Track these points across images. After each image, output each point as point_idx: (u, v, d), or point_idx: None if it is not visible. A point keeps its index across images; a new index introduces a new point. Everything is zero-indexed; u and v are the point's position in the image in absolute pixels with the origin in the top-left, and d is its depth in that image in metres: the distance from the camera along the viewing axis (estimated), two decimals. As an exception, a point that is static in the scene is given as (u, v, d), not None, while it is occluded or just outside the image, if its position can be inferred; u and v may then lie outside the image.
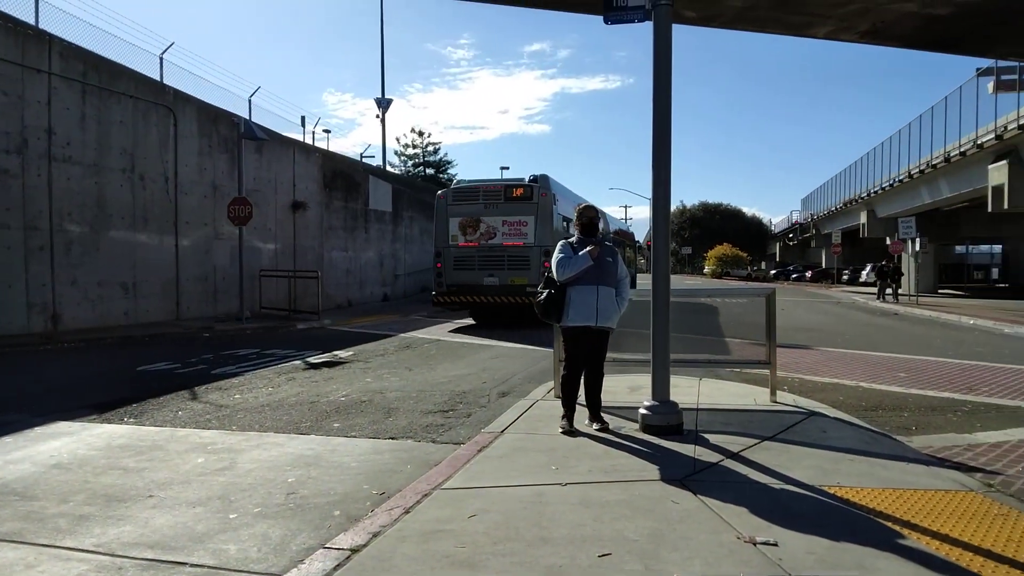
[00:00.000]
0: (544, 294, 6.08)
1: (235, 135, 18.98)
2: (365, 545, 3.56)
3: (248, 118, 20.81)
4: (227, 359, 11.63)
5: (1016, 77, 21.76)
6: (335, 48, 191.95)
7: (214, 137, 19.59)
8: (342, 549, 3.51)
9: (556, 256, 6.08)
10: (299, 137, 25.77)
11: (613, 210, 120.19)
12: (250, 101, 22.21)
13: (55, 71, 14.85)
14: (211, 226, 19.31)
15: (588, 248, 5.96)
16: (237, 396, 8.39)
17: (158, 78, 18.16)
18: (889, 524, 3.81)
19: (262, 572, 3.47)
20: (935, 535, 3.65)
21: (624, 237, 31.97)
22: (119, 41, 17.22)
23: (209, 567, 3.54)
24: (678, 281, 57.68)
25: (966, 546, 3.52)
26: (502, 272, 17.11)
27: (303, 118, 28.18)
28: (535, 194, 16.95)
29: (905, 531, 3.71)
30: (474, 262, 17.23)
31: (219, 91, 26.19)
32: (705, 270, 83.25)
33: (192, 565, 3.56)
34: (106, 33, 17.02)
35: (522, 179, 17.33)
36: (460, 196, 17.62)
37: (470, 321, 19.26)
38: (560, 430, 5.89)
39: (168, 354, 12.15)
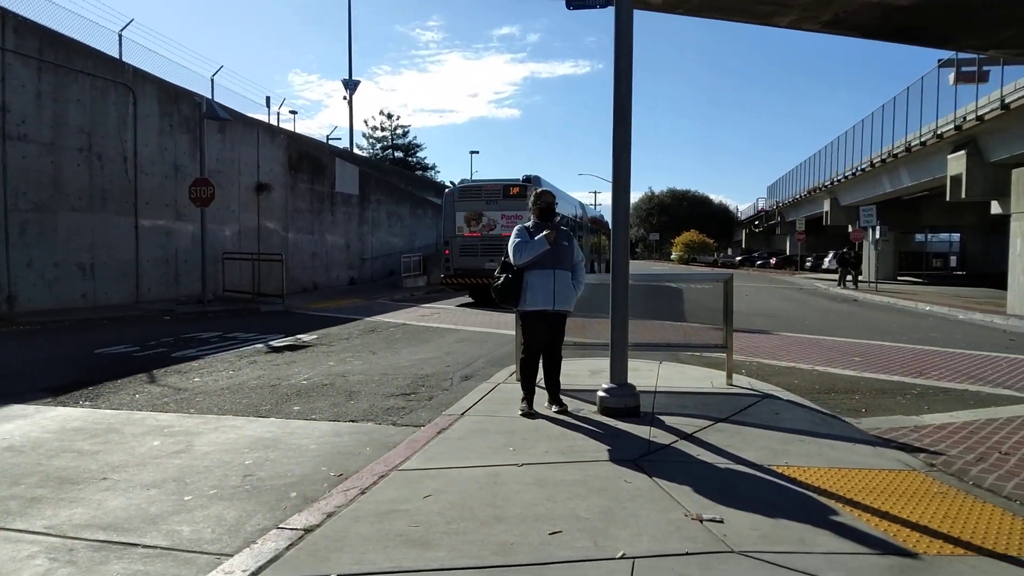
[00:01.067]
0: (501, 279, 6.10)
1: (197, 115, 18.62)
2: (319, 525, 3.58)
3: (211, 98, 20.45)
4: (188, 342, 11.49)
5: (975, 69, 22.19)
6: (301, 28, 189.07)
7: (175, 117, 19.20)
8: (296, 529, 3.53)
9: (513, 240, 6.08)
10: (264, 118, 25.43)
11: (583, 196, 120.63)
12: (213, 80, 21.84)
13: (9, 47, 14.39)
14: (172, 207, 18.96)
15: (544, 232, 5.98)
16: (196, 379, 8.31)
17: (117, 56, 17.74)
18: (832, 502, 3.93)
19: (215, 552, 3.47)
20: (875, 512, 3.78)
21: (599, 226, 32.21)
22: (77, 17, 16.83)
23: (162, 548, 3.54)
24: (645, 267, 57.94)
25: (904, 523, 3.65)
26: (501, 258, 18.44)
27: (268, 99, 27.83)
28: (529, 191, 18.87)
29: (847, 509, 3.83)
30: (477, 250, 19.70)
31: (181, 70, 25.61)
32: (672, 256, 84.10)
33: (144, 546, 3.55)
34: (63, 9, 16.65)
35: (518, 179, 19.72)
36: (465, 194, 20.46)
37: (437, 305, 19.36)
38: (520, 412, 5.95)
39: (127, 337, 11.97)
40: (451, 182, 21.50)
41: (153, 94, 18.51)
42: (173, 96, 19.23)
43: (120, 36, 17.91)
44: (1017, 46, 12.74)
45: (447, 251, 20.43)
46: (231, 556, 3.34)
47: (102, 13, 59.78)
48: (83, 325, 13.87)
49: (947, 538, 3.47)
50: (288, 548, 3.31)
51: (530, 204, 6.35)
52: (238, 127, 21.70)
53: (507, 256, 6.14)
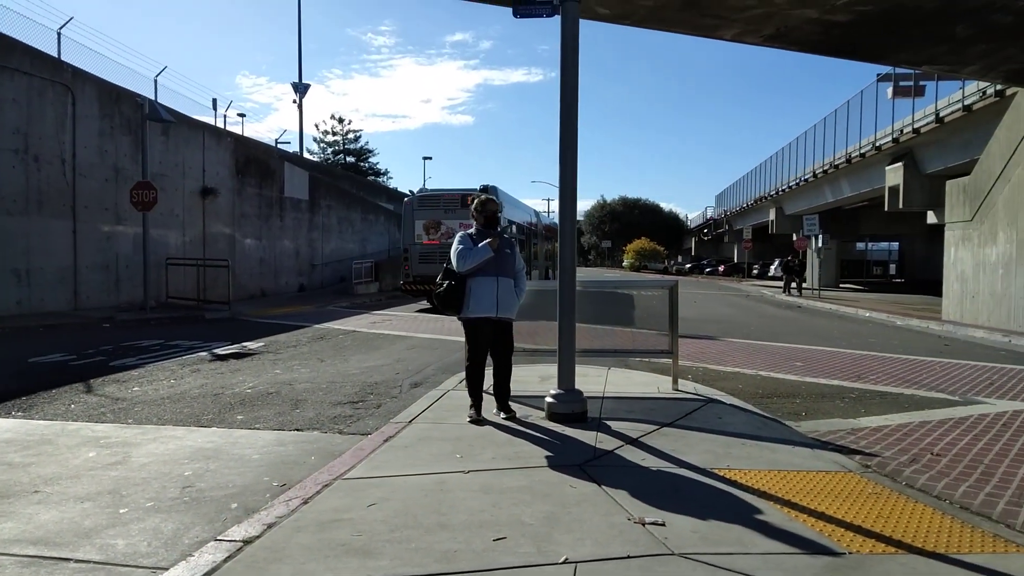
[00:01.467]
0: (444, 285, 6.07)
1: (139, 116, 18.11)
2: (259, 536, 3.51)
3: (154, 99, 19.95)
4: (128, 350, 11.16)
5: (912, 84, 23.05)
6: (249, 29, 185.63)
7: (116, 118, 18.67)
8: (234, 541, 3.45)
9: (456, 247, 6.06)
10: (211, 121, 24.92)
11: (536, 203, 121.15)
12: (156, 81, 21.33)
13: (-63, 42, 13.84)
14: (113, 211, 18.42)
15: (487, 240, 6.00)
16: (136, 388, 8.08)
17: (56, 55, 17.20)
18: (771, 504, 4.02)
19: (150, 566, 3.38)
20: (812, 513, 3.88)
21: (554, 233, 32.44)
22: (12, 14, 16.28)
23: (95, 562, 3.42)
24: (598, 274, 58.41)
25: (839, 523, 3.76)
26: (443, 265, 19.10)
27: (215, 101, 27.31)
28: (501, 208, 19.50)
29: (785, 510, 3.93)
30: (435, 257, 19.56)
31: (123, 70, 24.91)
32: (624, 263, 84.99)
33: (77, 561, 3.43)
34: (-2, 4, 16.00)
35: (475, 189, 19.60)
36: (424, 203, 21.12)
37: (389, 312, 19.24)
38: (468, 420, 5.94)
39: (64, 345, 11.57)
40: (410, 191, 22.70)
41: (93, 94, 17.98)
42: (114, 97, 18.71)
43: (59, 34, 17.38)
44: (946, 63, 13.28)
45: (406, 258, 20.74)
46: (167, 570, 3.25)
47: (40, 10, 57.90)
48: (17, 333, 13.36)
49: (879, 537, 3.58)
50: (226, 560, 3.24)
51: (473, 212, 6.35)
52: (183, 129, 21.22)
53: (450, 263, 6.12)
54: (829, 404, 7.54)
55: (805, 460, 5.00)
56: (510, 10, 6.28)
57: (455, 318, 6.22)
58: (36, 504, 4.24)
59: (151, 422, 6.44)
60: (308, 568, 3.14)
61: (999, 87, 16.83)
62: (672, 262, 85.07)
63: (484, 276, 5.98)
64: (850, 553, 3.36)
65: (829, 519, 3.80)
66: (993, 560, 3.33)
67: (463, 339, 6.28)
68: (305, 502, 4.00)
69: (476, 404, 6.05)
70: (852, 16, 9.83)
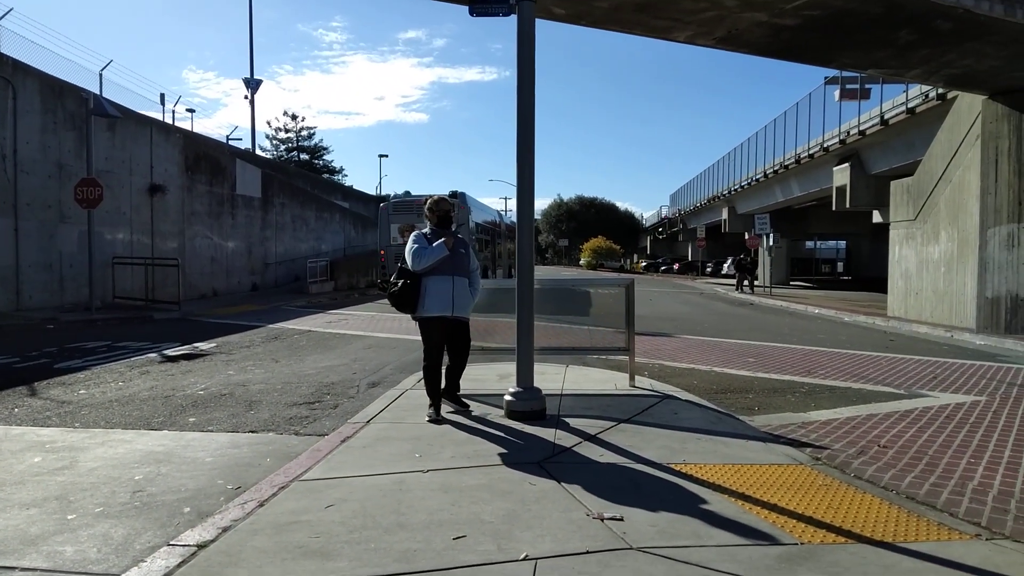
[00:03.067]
0: (399, 284, 6.03)
1: (84, 111, 17.57)
2: (213, 540, 3.44)
3: (99, 93, 19.36)
4: (73, 352, 10.82)
5: (858, 87, 23.68)
6: (195, 23, 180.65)
7: (59, 113, 18.07)
8: (188, 545, 3.38)
9: (411, 246, 6.03)
10: (158, 116, 24.34)
11: (492, 201, 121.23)
12: (101, 75, 20.74)
13: None
14: (56, 209, 17.82)
15: (442, 239, 5.99)
16: (82, 391, 7.84)
17: (-6, 46, 16.56)
18: (725, 497, 4.10)
19: (100, 573, 3.29)
20: (765, 505, 3.98)
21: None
22: (-54, 3, 15.58)
23: (42, 570, 3.32)
24: (555, 272, 58.67)
25: (791, 514, 3.85)
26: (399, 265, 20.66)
27: (163, 96, 26.70)
28: (455, 207, 20.23)
29: (739, 503, 4.01)
30: None
31: (66, 64, 24.03)
32: (581, 262, 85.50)
33: (23, 569, 3.32)
34: (-70, -7, 15.34)
35: (445, 195, 21.15)
36: (398, 208, 23.46)
37: (345, 311, 19.04)
38: (427, 419, 5.92)
39: (5, 347, 11.17)
40: (394, 194, 27.81)
41: (35, 88, 17.37)
42: (58, 91, 18.10)
43: (-2, 26, 16.74)
44: (891, 67, 13.71)
45: (383, 259, 23.14)
46: (118, 576, 3.17)
47: (-22, 0, 55.71)
48: (-46, 335, 12.84)
49: (830, 527, 3.69)
50: (179, 566, 3.17)
51: (427, 212, 6.33)
52: (130, 125, 20.64)
53: (404, 262, 6.09)
54: (781, 399, 7.72)
55: (758, 454, 5.11)
56: (465, 8, 6.27)
57: (410, 317, 6.20)
58: (-23, 512, 4.09)
59: (99, 425, 6.26)
60: (265, 571, 3.10)
61: (941, 91, 17.42)
62: (629, 260, 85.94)
63: (439, 275, 5.97)
64: (802, 543, 3.45)
65: (781, 511, 3.89)
66: (938, 548, 3.46)
67: (419, 338, 6.25)
68: (261, 504, 3.93)
69: (435, 403, 6.03)
70: (800, 20, 10.08)
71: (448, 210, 6.31)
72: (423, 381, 6.17)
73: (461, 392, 6.37)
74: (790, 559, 3.27)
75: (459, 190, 22.22)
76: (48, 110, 17.72)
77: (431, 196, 6.50)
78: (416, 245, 6.00)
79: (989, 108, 14.91)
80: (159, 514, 4.07)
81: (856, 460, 5.26)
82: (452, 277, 6.00)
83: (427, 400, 6.12)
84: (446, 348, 6.18)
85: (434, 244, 5.97)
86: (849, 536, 3.58)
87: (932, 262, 17.09)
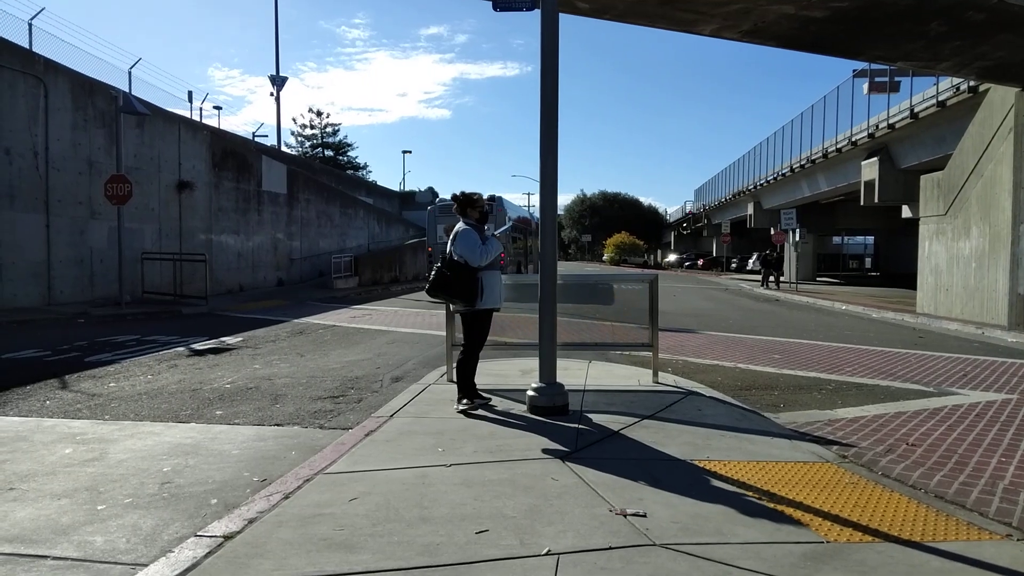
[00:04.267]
0: (465, 279, 6.05)
1: (113, 109, 17.82)
2: (240, 531, 3.49)
3: (128, 91, 19.65)
4: (103, 346, 11.01)
5: (887, 80, 23.27)
6: (219, 21, 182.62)
7: (90, 111, 18.36)
8: (215, 536, 3.43)
9: (469, 242, 6.09)
10: (186, 113, 24.61)
11: (515, 196, 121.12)
12: (130, 73, 21.02)
13: (-96, 32, 13.52)
14: (87, 205, 18.12)
15: (494, 235, 6.34)
16: (112, 384, 7.98)
17: (27, 46, 16.86)
18: (750, 494, 4.06)
19: (129, 563, 3.34)
20: (790, 503, 3.93)
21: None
22: (-19, 4, 15.89)
23: (73, 559, 3.38)
24: (578, 268, 58.63)
25: (816, 512, 3.81)
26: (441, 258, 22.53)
27: (190, 93, 27.00)
28: (494, 209, 23.19)
29: (763, 500, 3.97)
30: None
31: (96, 62, 24.52)
32: (604, 257, 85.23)
33: (55, 558, 3.39)
34: (-35, -6, 15.66)
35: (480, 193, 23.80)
36: (443, 211, 25.25)
37: (369, 307, 19.17)
38: (459, 410, 6.02)
39: (37, 341, 11.39)
40: (419, 190, 29.91)
41: (66, 87, 17.66)
42: (88, 89, 18.39)
43: (30, 25, 17.06)
44: (921, 59, 13.44)
45: (430, 259, 25.02)
46: (146, 566, 3.22)
47: (11, 1, 56.83)
48: (-11, 329, 13.12)
49: (856, 526, 3.64)
50: (207, 556, 3.21)
51: (469, 208, 6.40)
52: (158, 122, 20.91)
53: (454, 256, 6.14)
54: (807, 396, 7.63)
55: (783, 451, 5.06)
56: (486, 4, 6.27)
57: (435, 313, 6.26)
58: (11, 501, 4.18)
59: (128, 418, 6.37)
60: (290, 563, 3.13)
61: (972, 83, 17.06)
62: (653, 257, 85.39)
63: (492, 270, 6.25)
64: (828, 542, 3.41)
65: (807, 508, 3.85)
66: (967, 548, 3.40)
67: (443, 333, 6.29)
68: (286, 497, 3.98)
69: (473, 394, 6.15)
70: (828, 12, 9.92)
71: (487, 209, 6.74)
72: (457, 373, 6.23)
73: (483, 387, 6.46)
74: (816, 557, 3.23)
75: (497, 195, 24.73)
76: (79, 108, 18.01)
77: (467, 193, 6.62)
78: (474, 241, 6.11)
79: (1022, 101, 14.58)
80: (187, 505, 4.13)
81: (884, 458, 5.19)
82: (498, 272, 6.38)
83: (449, 395, 6.16)
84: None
85: (490, 240, 6.22)
86: (876, 535, 3.53)
87: (963, 258, 16.78)
